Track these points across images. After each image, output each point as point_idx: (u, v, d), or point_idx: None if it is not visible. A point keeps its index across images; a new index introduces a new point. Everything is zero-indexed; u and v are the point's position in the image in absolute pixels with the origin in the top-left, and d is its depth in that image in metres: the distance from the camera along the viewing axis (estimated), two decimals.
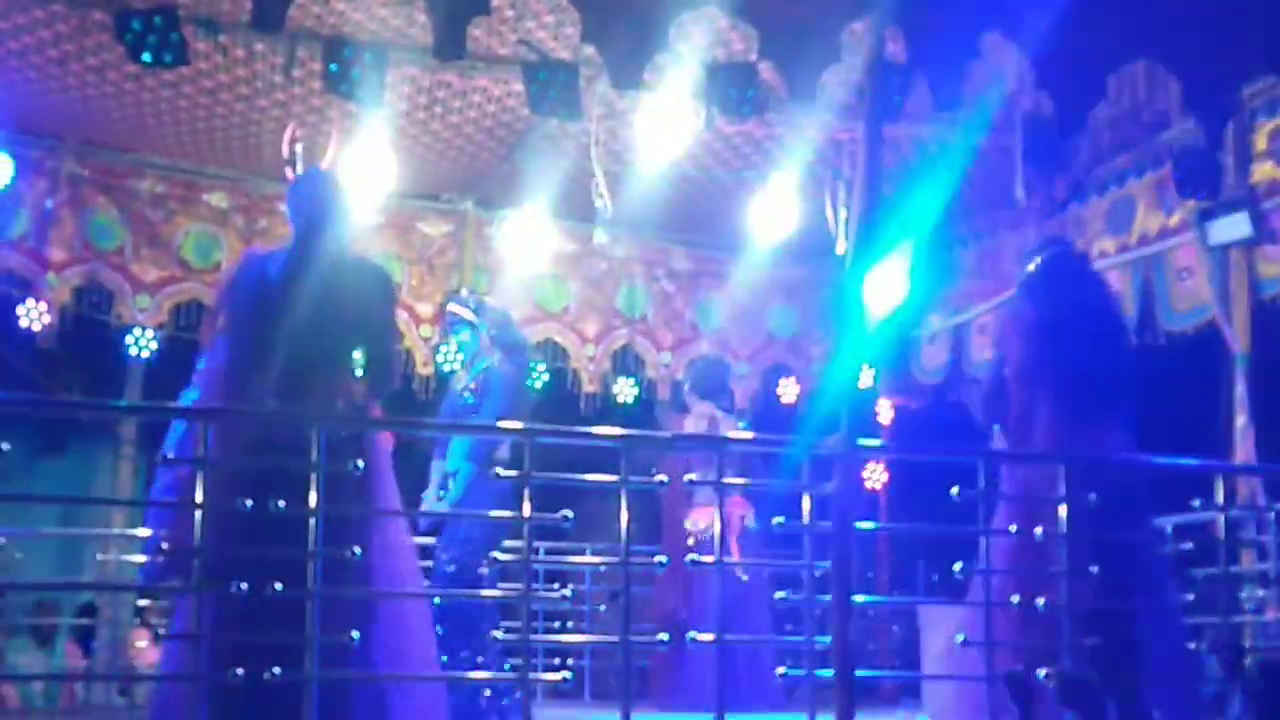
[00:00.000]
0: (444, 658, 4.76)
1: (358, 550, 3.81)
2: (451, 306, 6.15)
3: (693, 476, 5.05)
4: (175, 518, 3.98)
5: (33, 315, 7.54)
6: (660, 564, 5.03)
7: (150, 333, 7.88)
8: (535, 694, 5.86)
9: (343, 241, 4.34)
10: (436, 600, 5.01)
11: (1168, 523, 5.36)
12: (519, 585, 4.29)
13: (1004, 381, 4.75)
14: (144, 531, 6.08)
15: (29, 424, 10.56)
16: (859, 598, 4.41)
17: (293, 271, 4.13)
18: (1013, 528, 4.46)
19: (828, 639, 3.74)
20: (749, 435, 6.40)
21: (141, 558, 6.46)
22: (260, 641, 3.67)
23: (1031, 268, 4.88)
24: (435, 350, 8.36)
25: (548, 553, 6.94)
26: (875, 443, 6.67)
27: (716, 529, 4.31)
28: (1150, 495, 4.63)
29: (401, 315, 8.39)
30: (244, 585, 3.66)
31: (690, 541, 6.74)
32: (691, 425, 7.07)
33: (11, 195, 7.23)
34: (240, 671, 3.64)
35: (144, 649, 7.61)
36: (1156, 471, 4.71)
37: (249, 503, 3.72)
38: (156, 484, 5.50)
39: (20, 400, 5.14)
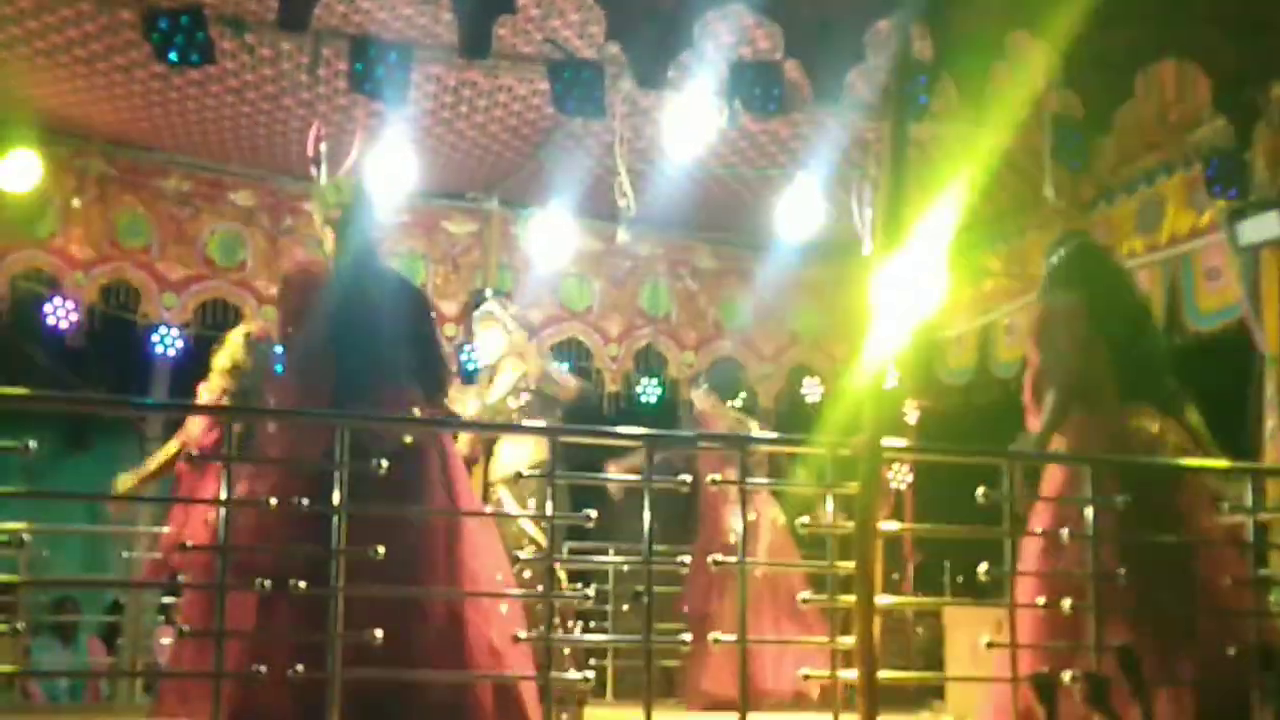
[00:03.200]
0: None
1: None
2: (493, 304, 6.19)
3: (716, 476, 5.04)
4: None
5: (60, 313, 7.59)
6: (682, 563, 5.02)
7: (176, 331, 7.92)
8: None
9: (374, 251, 4.43)
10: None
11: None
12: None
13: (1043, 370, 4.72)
14: (167, 529, 6.09)
15: (56, 421, 10.63)
16: (883, 598, 4.40)
17: (349, 285, 4.22)
18: (1039, 529, 4.44)
19: (851, 640, 3.73)
20: (772, 435, 6.39)
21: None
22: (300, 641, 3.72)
23: (1056, 260, 4.87)
24: (459, 349, 8.37)
25: (571, 552, 6.93)
26: (901, 443, 6.64)
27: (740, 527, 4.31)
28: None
29: None
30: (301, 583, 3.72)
31: (730, 539, 6.72)
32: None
33: (39, 194, 7.27)
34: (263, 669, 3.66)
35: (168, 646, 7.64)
36: (1185, 473, 4.67)
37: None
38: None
39: (47, 397, 5.18)
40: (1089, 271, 4.80)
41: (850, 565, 3.83)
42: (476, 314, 6.40)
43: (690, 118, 6.43)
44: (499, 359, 6.02)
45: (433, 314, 4.82)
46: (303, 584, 3.71)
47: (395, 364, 4.26)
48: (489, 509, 5.54)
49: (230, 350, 5.87)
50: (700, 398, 7.61)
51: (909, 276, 6.93)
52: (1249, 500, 4.63)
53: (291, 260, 7.72)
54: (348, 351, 4.15)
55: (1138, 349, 4.65)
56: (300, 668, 3.66)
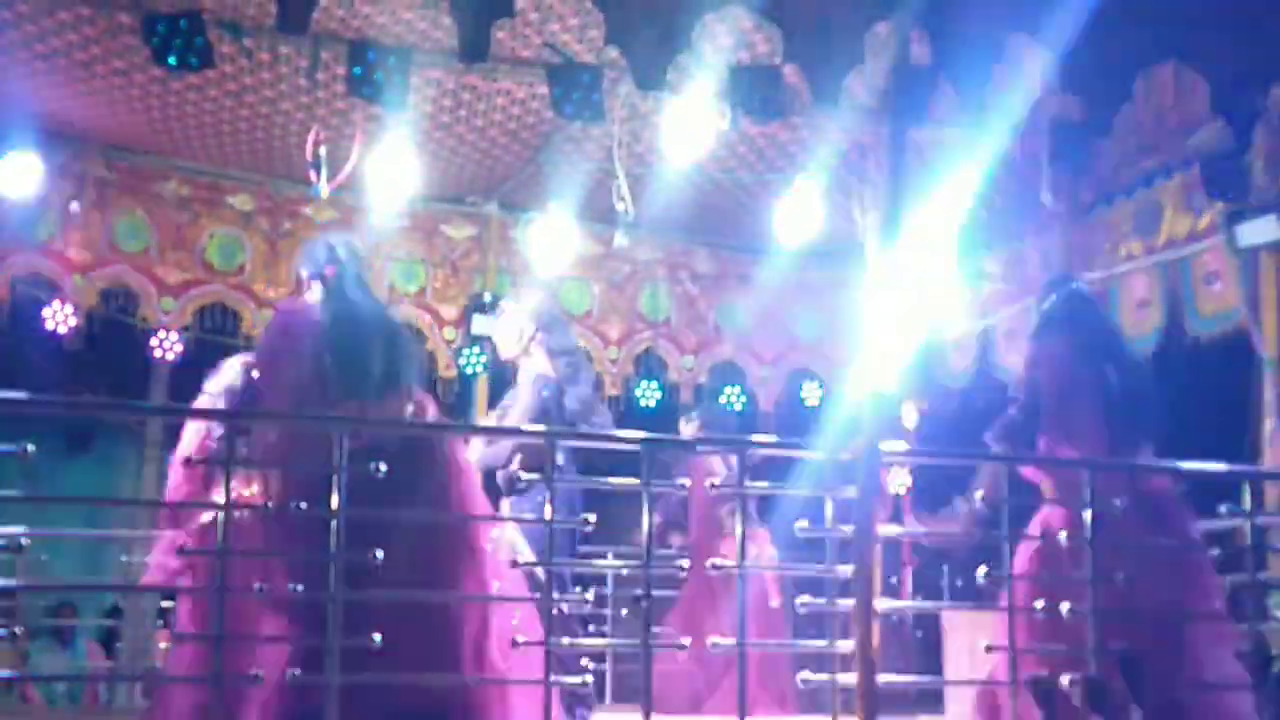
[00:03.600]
0: None
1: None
2: (504, 303, 6.13)
3: (715, 480, 5.04)
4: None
5: (59, 317, 7.58)
6: (681, 567, 5.02)
7: (175, 335, 7.91)
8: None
9: (365, 294, 4.45)
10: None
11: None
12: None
13: (1026, 419, 4.73)
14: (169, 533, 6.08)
15: (55, 425, 10.62)
16: (881, 602, 4.40)
17: (336, 334, 4.23)
18: (1035, 529, 4.45)
19: (850, 644, 3.73)
20: (771, 439, 6.38)
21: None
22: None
23: (1046, 306, 4.90)
24: (458, 353, 8.37)
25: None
26: (899, 446, 6.64)
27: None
28: (1187, 505, 4.61)
29: (424, 318, 8.43)
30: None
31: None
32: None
33: (38, 198, 7.27)
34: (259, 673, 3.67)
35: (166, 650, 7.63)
36: (1185, 478, 4.67)
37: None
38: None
39: (46, 402, 5.17)
40: (1078, 317, 4.83)
41: (849, 569, 3.83)
42: (496, 313, 6.41)
43: (689, 122, 6.43)
44: (517, 356, 5.91)
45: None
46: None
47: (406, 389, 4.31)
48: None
49: (226, 375, 5.85)
50: (691, 432, 7.60)
51: (908, 280, 6.97)
52: (1248, 503, 4.63)
53: (289, 269, 7.73)
54: (349, 378, 4.17)
55: (1127, 391, 4.67)
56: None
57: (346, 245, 4.53)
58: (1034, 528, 4.54)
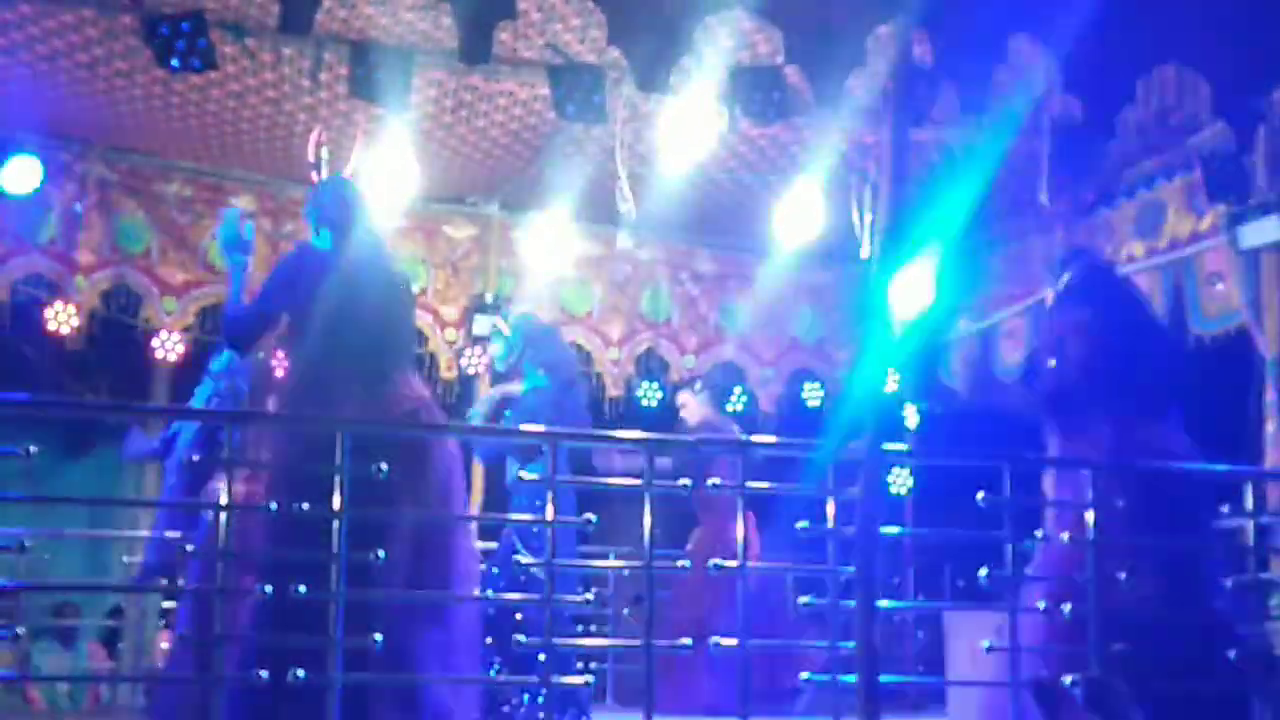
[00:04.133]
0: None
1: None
2: (496, 320, 6.27)
3: (715, 480, 5.03)
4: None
5: (61, 318, 7.58)
6: (683, 567, 5.02)
7: (176, 335, 7.92)
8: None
9: (374, 242, 4.45)
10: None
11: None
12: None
13: (1068, 386, 4.70)
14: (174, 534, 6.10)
15: (56, 426, 10.63)
16: (883, 603, 4.40)
17: (348, 271, 4.24)
18: (1039, 533, 4.44)
19: (852, 644, 3.73)
20: (772, 439, 6.38)
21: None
22: (293, 643, 3.73)
23: (1066, 280, 4.87)
24: (459, 354, 8.38)
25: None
26: (901, 447, 6.64)
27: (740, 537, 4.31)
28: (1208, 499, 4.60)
29: (426, 319, 8.42)
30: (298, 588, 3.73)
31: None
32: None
33: (40, 199, 7.28)
34: (265, 674, 3.67)
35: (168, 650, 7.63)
36: (1189, 477, 4.66)
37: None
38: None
39: (48, 402, 5.19)
40: (1099, 290, 4.81)
41: (850, 569, 3.83)
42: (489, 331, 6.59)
43: (691, 122, 6.43)
44: (509, 371, 6.13)
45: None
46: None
47: (405, 348, 4.34)
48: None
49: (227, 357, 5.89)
50: (698, 401, 7.60)
51: (908, 280, 6.96)
52: (1250, 504, 4.63)
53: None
54: (364, 331, 4.19)
55: (1150, 364, 4.65)
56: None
57: (352, 188, 4.57)
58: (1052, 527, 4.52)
